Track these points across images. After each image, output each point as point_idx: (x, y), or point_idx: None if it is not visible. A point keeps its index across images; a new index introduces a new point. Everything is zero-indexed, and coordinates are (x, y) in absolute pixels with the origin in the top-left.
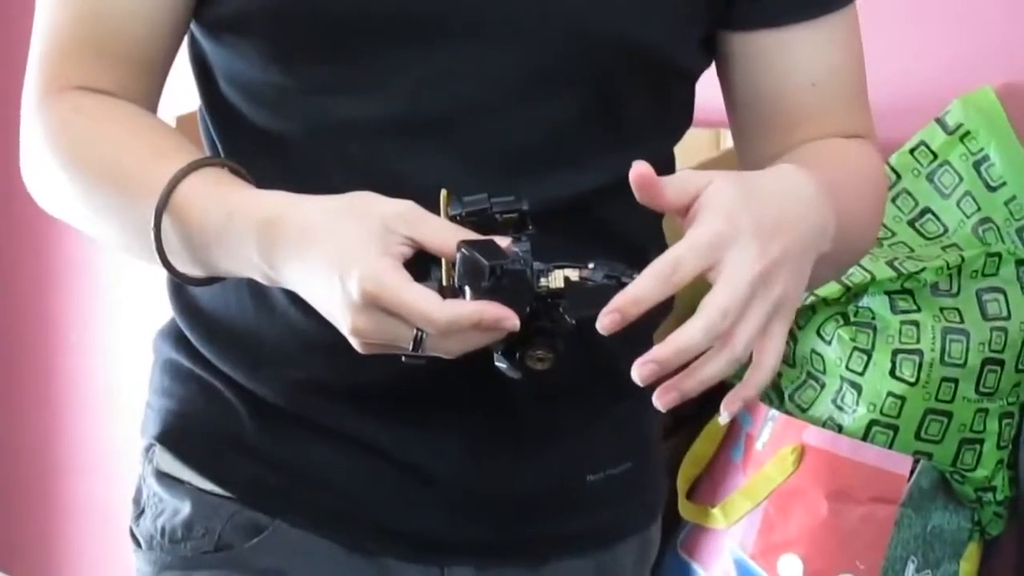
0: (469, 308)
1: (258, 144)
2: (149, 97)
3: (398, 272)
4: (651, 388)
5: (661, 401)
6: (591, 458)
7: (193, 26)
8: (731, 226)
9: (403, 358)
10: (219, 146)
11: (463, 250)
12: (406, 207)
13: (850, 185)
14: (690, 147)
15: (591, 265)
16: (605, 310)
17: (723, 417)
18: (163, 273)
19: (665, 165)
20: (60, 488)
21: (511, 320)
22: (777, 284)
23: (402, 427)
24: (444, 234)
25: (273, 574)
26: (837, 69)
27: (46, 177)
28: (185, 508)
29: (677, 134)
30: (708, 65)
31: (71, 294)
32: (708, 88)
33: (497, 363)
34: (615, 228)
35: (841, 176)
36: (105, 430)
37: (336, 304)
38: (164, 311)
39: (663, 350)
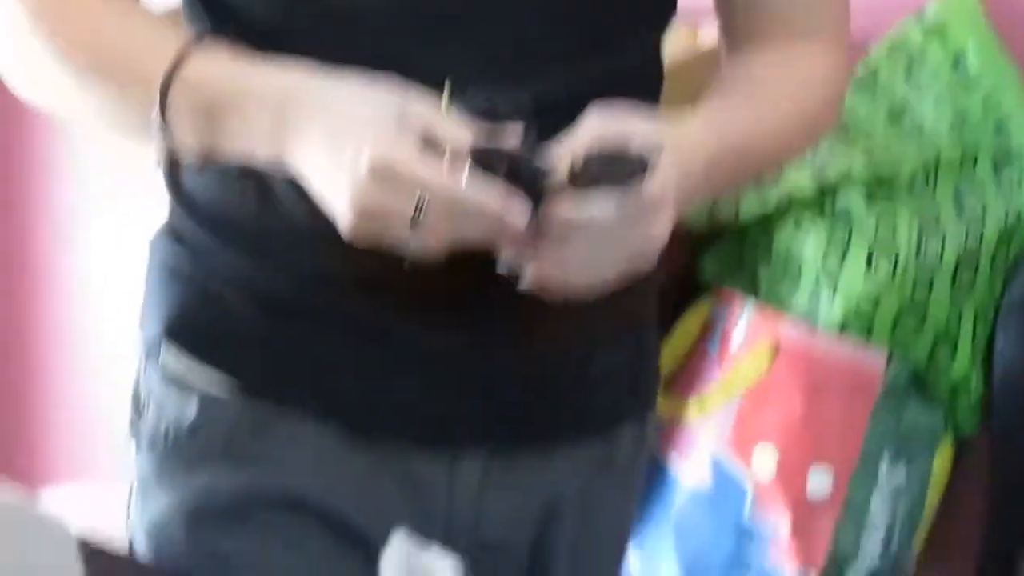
0: (480, 190)
1: (258, 38)
2: None
3: (411, 146)
4: (649, 280)
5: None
6: (595, 341)
7: None
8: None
9: (404, 263)
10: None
11: (477, 144)
12: (424, 98)
13: (768, 134)
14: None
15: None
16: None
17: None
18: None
19: (656, 58)
20: (35, 376)
21: (519, 210)
22: (663, 216)
23: (411, 316)
24: (457, 131)
25: (278, 467)
26: None
27: (34, 67)
28: (190, 407)
29: (664, 26)
30: None
31: (57, 197)
32: None
33: (499, 264)
34: None
35: (765, 129)
36: (78, 321)
37: (342, 170)
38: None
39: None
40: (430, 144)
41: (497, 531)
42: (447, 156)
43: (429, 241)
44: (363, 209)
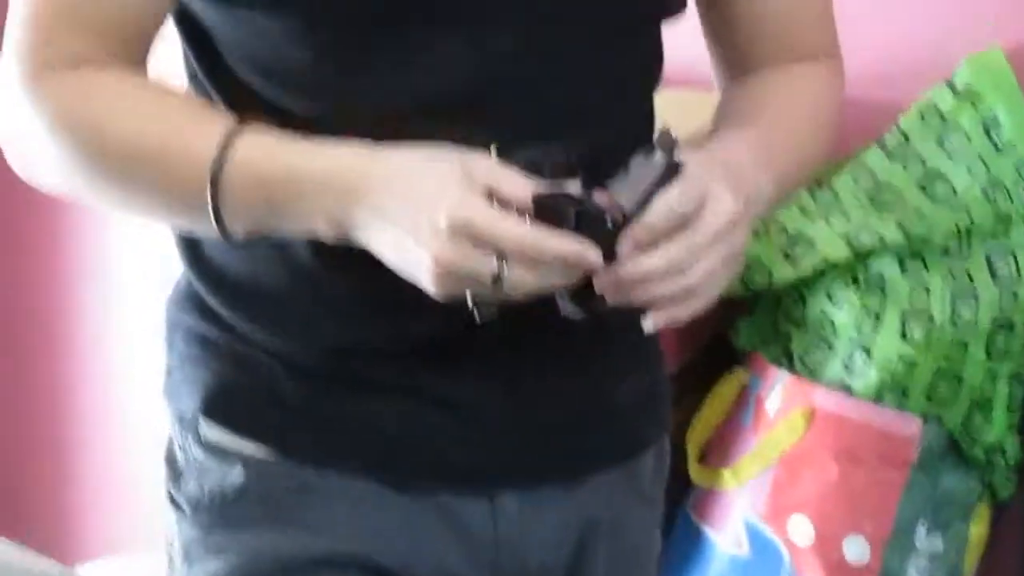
0: (558, 238)
1: (279, 122)
2: (140, 68)
3: (486, 203)
4: None
5: (608, 298)
6: (615, 373)
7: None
8: (712, 170)
9: (476, 314)
10: None
11: (542, 197)
12: (485, 159)
13: (790, 139)
14: (687, 110)
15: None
16: (623, 240)
17: (646, 325)
18: (171, 241)
19: (652, 110)
20: (70, 457)
21: (596, 257)
22: (739, 233)
23: (440, 370)
24: (521, 183)
25: (323, 527)
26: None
27: (54, 162)
28: (234, 473)
29: (659, 73)
30: (684, 8)
31: (77, 264)
32: (705, 51)
33: (562, 308)
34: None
35: (788, 133)
36: (115, 397)
37: (420, 235)
38: (167, 274)
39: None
40: (497, 198)
41: (537, 558)
42: (517, 208)
43: (512, 292)
44: (448, 270)
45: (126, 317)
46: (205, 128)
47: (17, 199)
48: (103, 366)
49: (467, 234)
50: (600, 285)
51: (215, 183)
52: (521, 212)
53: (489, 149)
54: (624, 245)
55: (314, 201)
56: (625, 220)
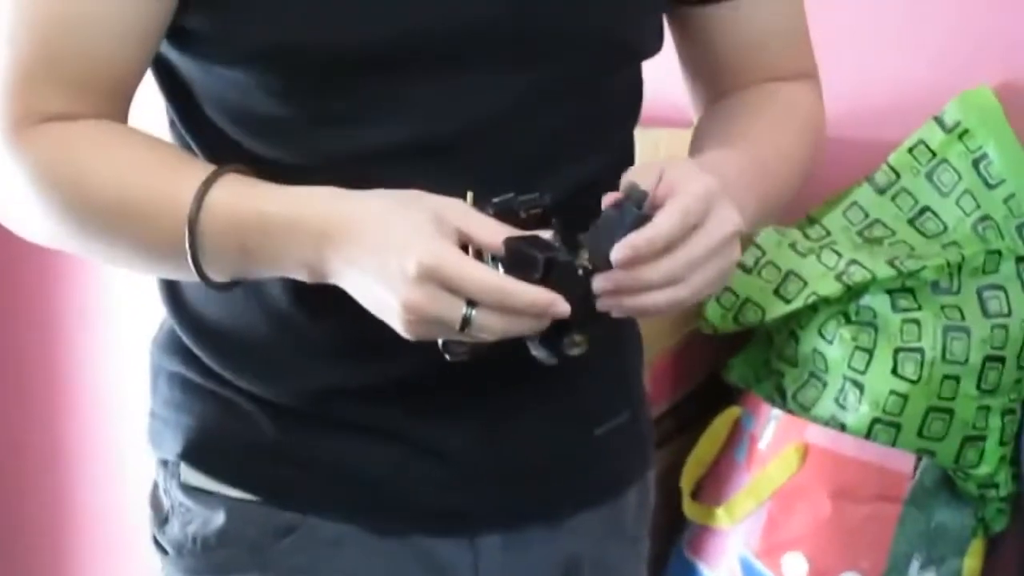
0: (525, 288)
1: (259, 171)
2: (121, 121)
3: (456, 249)
4: (635, 341)
5: (602, 304)
6: (595, 413)
7: (169, 52)
8: (717, 188)
9: (446, 354)
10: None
11: (513, 244)
12: (457, 203)
13: (774, 160)
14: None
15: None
16: (622, 243)
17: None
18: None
19: (631, 146)
20: (66, 495)
21: (563, 307)
22: (735, 249)
23: (419, 414)
24: (491, 228)
25: (305, 570)
26: (783, 26)
27: (38, 217)
28: (218, 517)
29: (639, 113)
30: (661, 47)
31: (75, 302)
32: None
33: (533, 351)
34: None
35: (767, 150)
36: (112, 436)
37: (389, 282)
38: (156, 320)
39: (643, 241)
40: (468, 244)
41: None
42: (487, 254)
43: (481, 337)
44: (416, 316)
45: (121, 359)
46: (182, 177)
47: (10, 235)
48: (98, 404)
49: (436, 279)
50: (597, 288)
51: (192, 231)
52: (493, 258)
53: (465, 195)
54: (621, 251)
55: (288, 246)
56: (595, 268)
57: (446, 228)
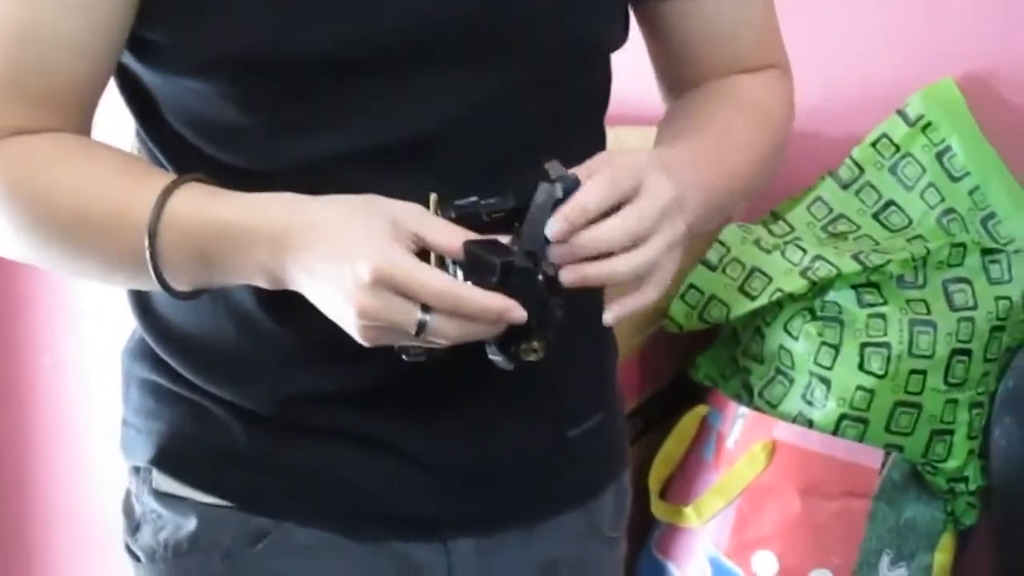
0: (479, 293)
1: (222, 178)
2: (84, 133)
3: (411, 256)
4: (609, 342)
5: (564, 277)
6: (568, 415)
7: (130, 62)
8: (648, 159)
9: (403, 356)
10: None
11: (471, 248)
12: (414, 208)
13: (732, 152)
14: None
15: None
16: (555, 217)
17: (606, 317)
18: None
19: (601, 140)
20: (37, 509)
21: (518, 313)
22: (679, 220)
23: (392, 419)
24: (449, 233)
25: (278, 575)
26: (751, 17)
27: (3, 231)
28: (190, 523)
29: (606, 102)
30: (625, 41)
31: (45, 308)
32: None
33: (491, 356)
34: None
35: (725, 142)
36: (82, 443)
37: (344, 288)
38: (128, 326)
39: (571, 219)
40: (424, 249)
41: None
42: (444, 259)
43: (436, 342)
44: (369, 321)
45: (91, 365)
46: (142, 188)
47: None
48: (68, 411)
49: (389, 285)
50: (556, 257)
51: (152, 240)
52: (453, 263)
53: (428, 197)
54: (555, 224)
55: (246, 255)
56: (533, 254)
57: (402, 233)
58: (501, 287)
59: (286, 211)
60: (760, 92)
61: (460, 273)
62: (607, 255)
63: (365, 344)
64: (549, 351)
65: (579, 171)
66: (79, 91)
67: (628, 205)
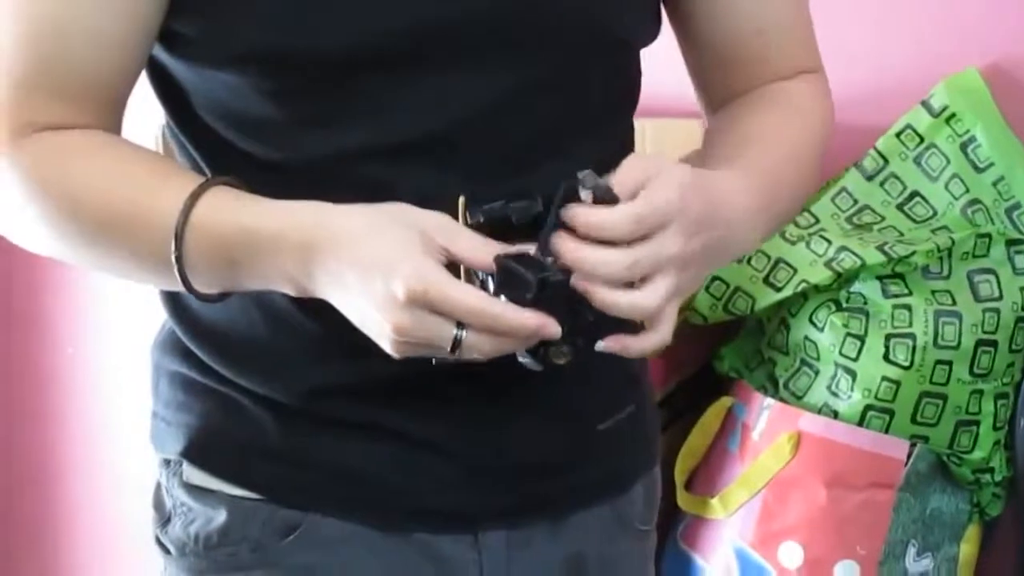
0: (515, 311)
1: (249, 169)
2: (115, 128)
3: (443, 271)
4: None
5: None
6: (598, 407)
7: (162, 56)
8: (681, 202)
9: (433, 360)
10: (205, 170)
11: (504, 262)
12: (443, 219)
13: (788, 165)
14: (675, 137)
15: None
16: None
17: (598, 345)
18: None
19: (629, 135)
20: (59, 499)
21: (554, 328)
22: (687, 272)
23: (421, 411)
24: (480, 248)
25: (308, 568)
26: (781, 14)
27: (32, 227)
28: (220, 516)
29: (636, 102)
30: (658, 35)
31: (67, 305)
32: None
33: (520, 359)
34: None
35: (782, 158)
36: (104, 441)
37: (377, 304)
38: (154, 322)
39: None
40: (453, 260)
41: None
42: (476, 273)
43: (471, 357)
44: (405, 339)
45: (117, 360)
46: (170, 190)
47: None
48: (94, 406)
49: (423, 303)
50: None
51: (179, 244)
52: (482, 276)
53: (457, 199)
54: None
55: (272, 262)
56: (545, 253)
57: (432, 247)
58: (536, 302)
59: (313, 219)
60: (802, 100)
61: (491, 282)
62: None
63: (397, 357)
64: (578, 356)
65: (613, 180)
66: (109, 86)
67: (630, 248)
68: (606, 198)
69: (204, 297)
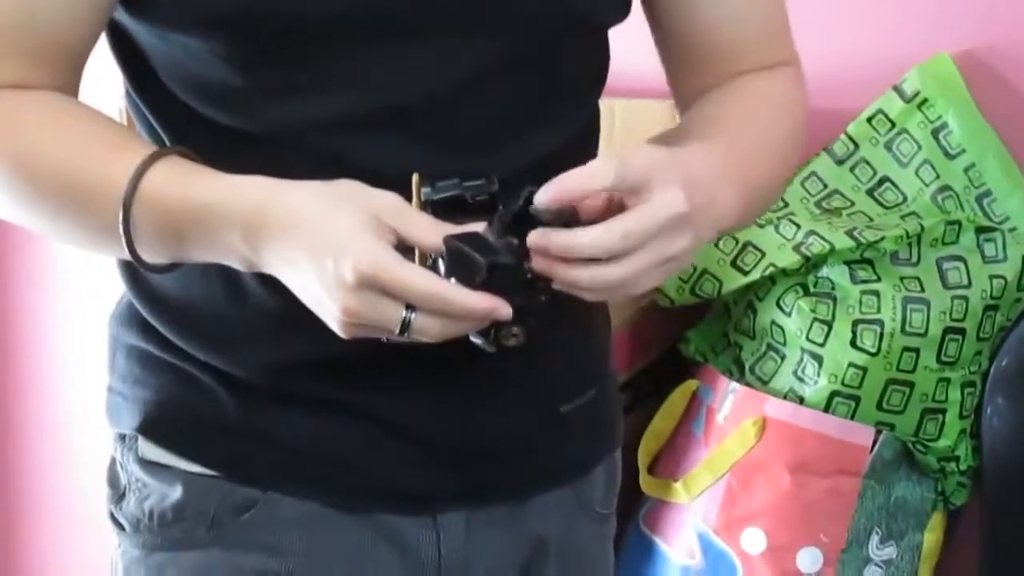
0: (465, 294)
1: (210, 137)
2: (72, 90)
3: (393, 253)
4: (603, 317)
5: (538, 262)
6: (561, 391)
7: (123, 18)
8: (666, 164)
9: (384, 339)
10: (165, 139)
11: (454, 244)
12: (394, 200)
13: (762, 149)
14: (646, 119)
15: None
16: (540, 232)
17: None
18: (113, 261)
19: (595, 113)
20: (15, 475)
21: (505, 311)
22: (680, 238)
23: (382, 390)
24: (430, 231)
25: (264, 547)
26: (756, 4)
27: None
28: (175, 492)
29: (603, 82)
30: (627, 14)
31: (25, 278)
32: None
33: (472, 338)
34: None
35: (756, 141)
36: (64, 412)
37: (326, 286)
38: (112, 295)
39: (565, 189)
40: (403, 242)
41: (486, 575)
42: (428, 256)
43: (421, 339)
44: (354, 321)
45: (73, 335)
46: (122, 158)
47: None
48: (50, 380)
49: (374, 285)
50: (542, 199)
51: (126, 217)
52: (432, 258)
53: (414, 177)
54: (537, 238)
55: (219, 238)
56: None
57: (382, 229)
58: (486, 285)
59: (262, 197)
60: (782, 93)
61: (441, 265)
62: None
63: (346, 338)
64: (531, 337)
65: (584, 177)
66: (68, 45)
67: (620, 217)
68: (566, 220)
69: (152, 268)
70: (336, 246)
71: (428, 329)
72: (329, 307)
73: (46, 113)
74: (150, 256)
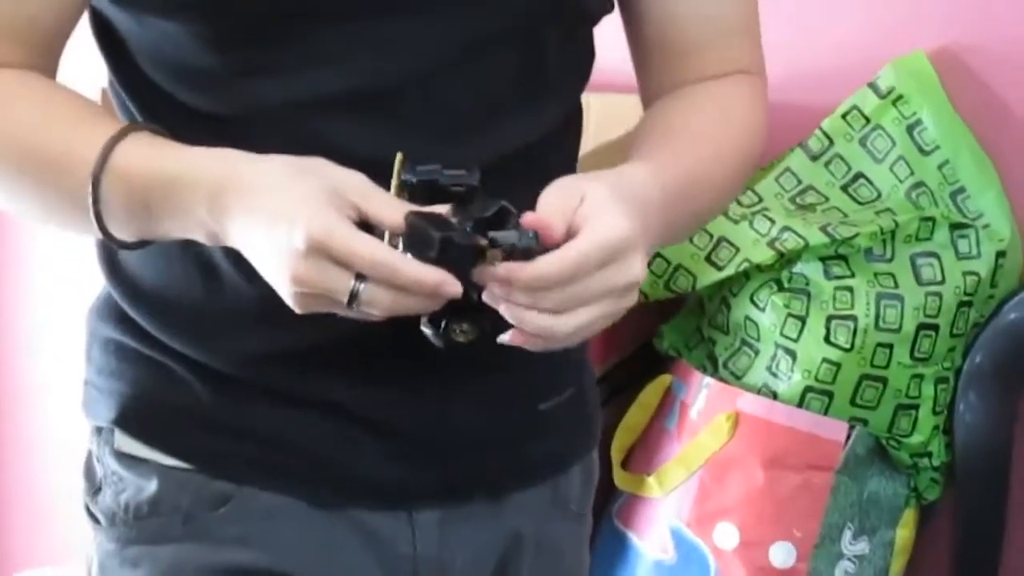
0: (415, 265)
1: (190, 122)
2: (50, 73)
3: (347, 222)
4: None
5: (491, 292)
6: (539, 388)
7: (102, 4)
8: (635, 233)
9: (338, 316)
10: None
11: (413, 220)
12: (358, 178)
13: (710, 163)
14: (617, 114)
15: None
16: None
17: (503, 338)
18: (93, 253)
19: (578, 109)
20: None
21: (453, 288)
22: (631, 298)
23: (358, 384)
24: (390, 207)
25: (239, 541)
26: (728, 7)
27: None
28: (150, 485)
29: (587, 76)
30: (612, 8)
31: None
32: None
33: (423, 328)
34: (551, 169)
35: (703, 153)
36: (39, 409)
37: (279, 252)
38: (90, 290)
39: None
40: (365, 219)
41: (461, 572)
42: (383, 230)
43: (370, 313)
44: (302, 287)
45: (49, 328)
46: (92, 134)
47: None
48: (25, 377)
49: (324, 252)
50: (487, 278)
51: (95, 191)
52: (392, 234)
53: (396, 155)
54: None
55: (186, 210)
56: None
57: (341, 201)
58: (440, 262)
59: (226, 167)
60: (740, 106)
61: (401, 247)
62: None
63: (297, 311)
64: (483, 338)
65: (566, 203)
66: (46, 29)
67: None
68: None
69: (121, 244)
70: (291, 214)
71: (377, 300)
72: (280, 274)
73: (19, 89)
74: (119, 231)
